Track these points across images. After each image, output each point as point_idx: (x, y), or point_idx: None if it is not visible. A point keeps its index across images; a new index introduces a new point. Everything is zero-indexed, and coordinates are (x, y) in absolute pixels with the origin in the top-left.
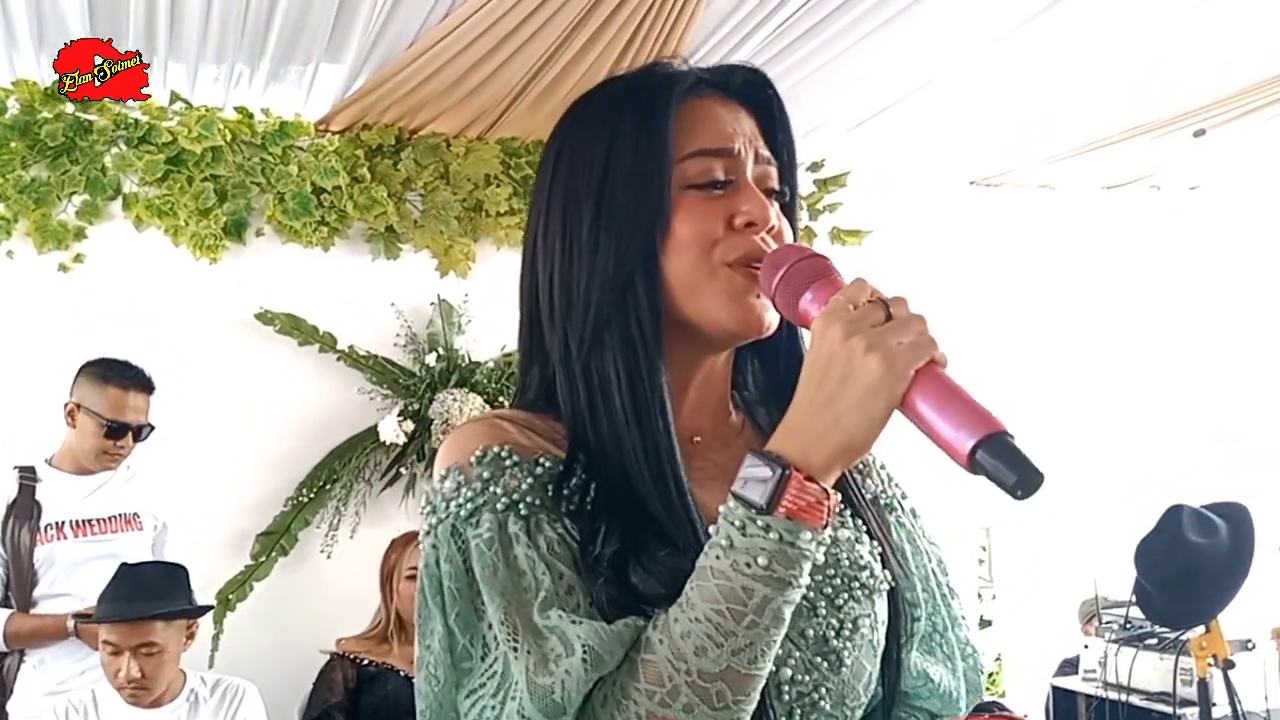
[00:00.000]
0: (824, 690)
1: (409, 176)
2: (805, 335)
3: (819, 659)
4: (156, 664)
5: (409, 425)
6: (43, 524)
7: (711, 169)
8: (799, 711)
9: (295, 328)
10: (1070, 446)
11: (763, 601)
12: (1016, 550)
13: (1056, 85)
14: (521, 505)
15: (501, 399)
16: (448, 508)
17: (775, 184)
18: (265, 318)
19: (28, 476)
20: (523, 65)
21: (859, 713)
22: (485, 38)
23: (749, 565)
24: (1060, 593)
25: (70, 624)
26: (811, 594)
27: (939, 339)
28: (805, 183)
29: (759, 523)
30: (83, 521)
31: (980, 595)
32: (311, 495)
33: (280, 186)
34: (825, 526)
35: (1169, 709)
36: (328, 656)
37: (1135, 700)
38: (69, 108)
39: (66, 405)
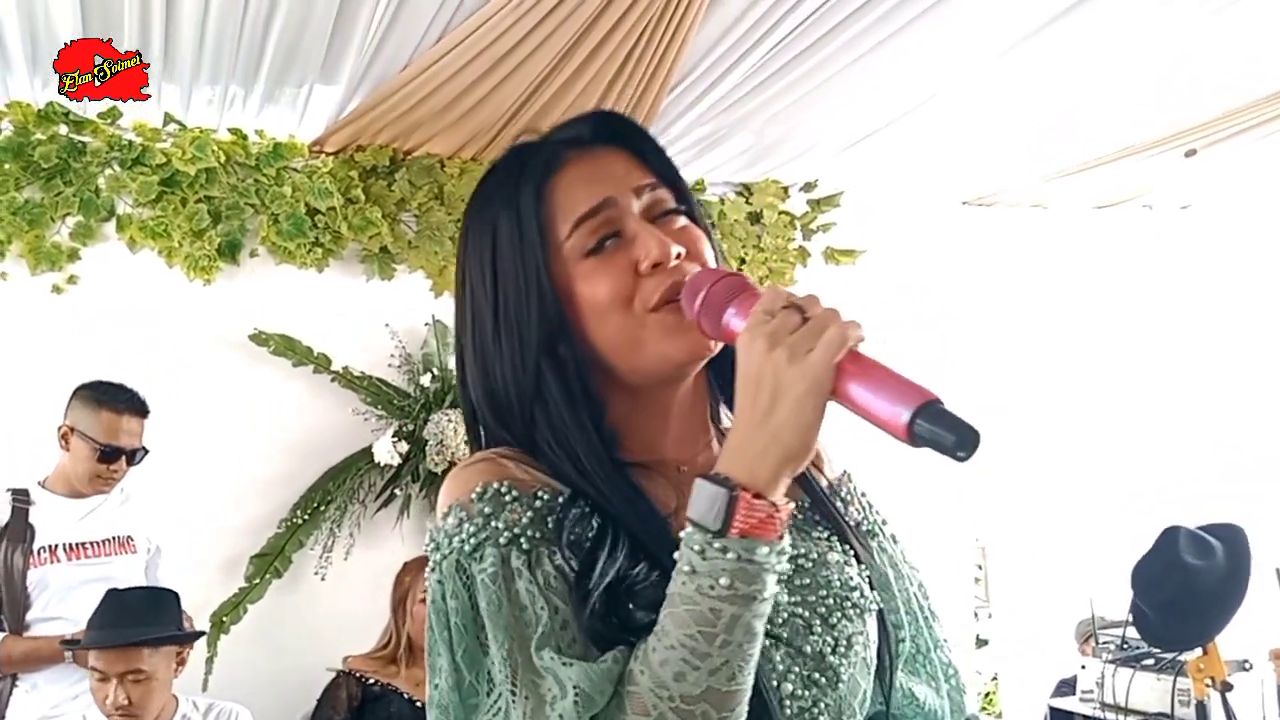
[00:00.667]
0: (823, 705)
1: (403, 197)
2: None
3: (817, 674)
4: (144, 691)
5: (403, 446)
6: (36, 547)
7: (596, 231)
8: None
9: (289, 349)
10: (1064, 464)
11: (732, 620)
12: (1013, 569)
13: (1048, 106)
14: (523, 539)
15: None
16: (451, 544)
17: (671, 202)
18: (259, 339)
19: (21, 499)
20: (517, 88)
21: None
22: (479, 60)
23: (713, 587)
24: (1057, 612)
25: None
26: (806, 613)
27: (855, 321)
28: (799, 203)
29: (716, 545)
30: (76, 545)
31: (976, 614)
32: (306, 517)
33: (274, 208)
34: (781, 537)
35: None
36: (334, 674)
37: None
38: (63, 129)
39: (60, 428)
